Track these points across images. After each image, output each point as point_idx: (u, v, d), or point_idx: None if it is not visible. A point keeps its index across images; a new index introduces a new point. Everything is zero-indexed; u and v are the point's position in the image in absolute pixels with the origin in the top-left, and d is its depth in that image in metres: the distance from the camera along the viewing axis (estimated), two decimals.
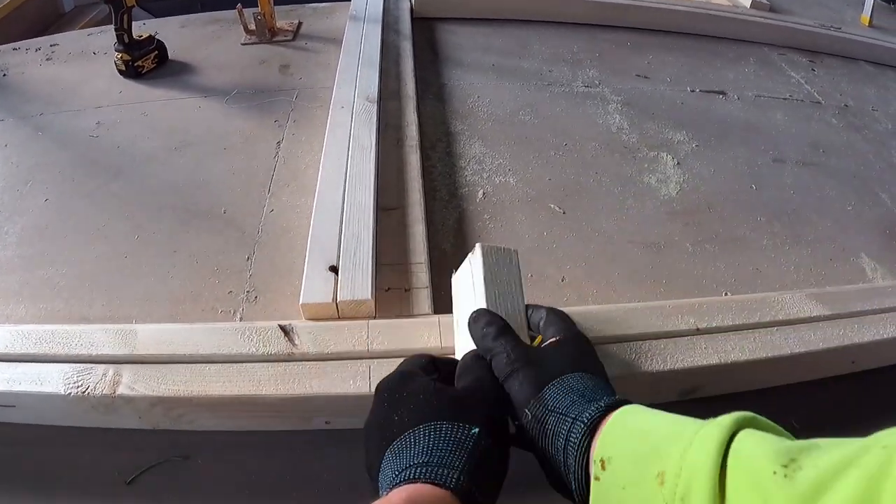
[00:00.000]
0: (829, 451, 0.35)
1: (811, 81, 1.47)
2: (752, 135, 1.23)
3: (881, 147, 1.24)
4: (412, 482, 0.42)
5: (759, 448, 0.37)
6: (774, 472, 0.35)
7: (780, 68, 1.52)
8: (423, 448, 0.45)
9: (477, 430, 0.46)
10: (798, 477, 0.34)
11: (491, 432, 0.47)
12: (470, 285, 0.64)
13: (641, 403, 0.48)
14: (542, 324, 0.61)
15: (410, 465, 0.44)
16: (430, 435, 0.46)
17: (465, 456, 0.44)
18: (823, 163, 1.16)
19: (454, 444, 0.45)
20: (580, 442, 0.46)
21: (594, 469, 0.44)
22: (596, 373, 0.54)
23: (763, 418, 0.41)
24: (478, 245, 0.64)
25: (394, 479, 0.43)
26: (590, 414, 0.47)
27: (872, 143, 1.25)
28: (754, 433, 0.39)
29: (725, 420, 0.40)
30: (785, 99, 1.38)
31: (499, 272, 0.63)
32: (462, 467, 0.43)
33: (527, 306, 0.63)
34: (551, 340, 0.58)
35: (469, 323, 0.59)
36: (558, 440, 0.48)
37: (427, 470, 0.43)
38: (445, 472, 0.43)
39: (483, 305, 0.60)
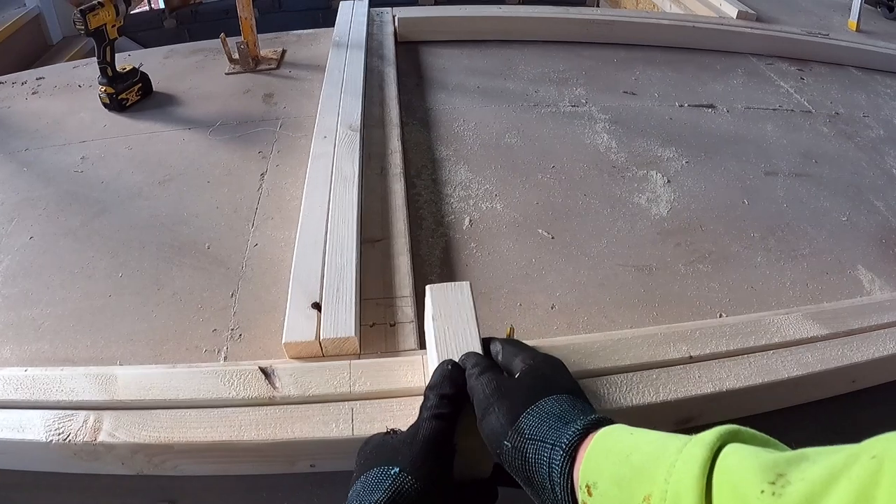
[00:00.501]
0: (817, 462, 0.34)
1: (800, 90, 1.47)
2: (743, 148, 1.22)
3: (874, 153, 1.23)
4: None
5: (744, 465, 0.36)
6: (762, 491, 0.34)
7: (768, 78, 1.52)
8: (354, 493, 0.50)
9: (397, 469, 0.50)
10: (786, 493, 0.33)
11: (417, 471, 0.51)
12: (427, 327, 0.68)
13: None
14: (500, 357, 0.61)
15: None
16: (362, 481, 0.51)
17: (381, 492, 0.49)
18: (816, 173, 1.15)
19: (375, 484, 0.50)
20: (562, 468, 0.46)
21: (581, 495, 0.44)
22: (571, 392, 0.54)
23: (747, 429, 0.41)
24: (427, 287, 0.69)
25: None
26: (568, 438, 0.47)
27: (865, 150, 1.24)
28: (739, 448, 0.38)
29: (708, 437, 0.39)
30: (775, 109, 1.37)
31: (448, 310, 0.66)
32: (374, 498, 0.48)
33: (484, 340, 0.64)
34: (521, 369, 0.57)
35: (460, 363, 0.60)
36: (542, 468, 0.48)
37: None
38: (356, 502, 0.48)
39: (433, 344, 0.63)
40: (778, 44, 1.64)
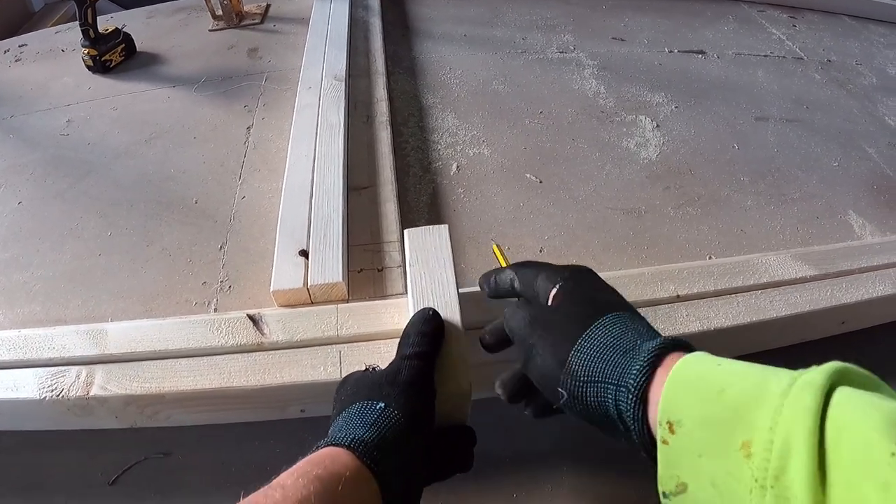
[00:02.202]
0: None
1: (792, 37, 1.44)
2: (733, 94, 1.20)
3: (866, 101, 1.21)
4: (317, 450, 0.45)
5: (867, 420, 0.31)
6: (893, 454, 0.28)
7: (760, 25, 1.50)
8: (338, 427, 0.48)
9: (382, 404, 0.48)
10: None
11: (402, 408, 0.48)
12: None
13: None
14: (517, 284, 0.55)
15: (322, 440, 0.46)
16: (345, 417, 0.49)
17: (367, 426, 0.46)
18: (808, 119, 1.14)
19: (360, 418, 0.47)
20: (634, 413, 0.41)
21: (660, 431, 0.39)
22: (616, 307, 0.48)
23: (856, 369, 0.35)
24: (405, 231, 0.68)
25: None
26: (634, 376, 0.41)
27: (857, 97, 1.22)
28: (853, 394, 0.33)
29: (818, 379, 0.34)
30: (766, 56, 1.35)
31: (425, 255, 0.65)
32: (361, 433, 0.45)
33: (487, 274, 0.60)
34: (552, 294, 0.51)
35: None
36: (608, 409, 0.43)
37: (329, 439, 0.46)
38: (341, 434, 0.45)
39: (409, 289, 0.63)
40: None
